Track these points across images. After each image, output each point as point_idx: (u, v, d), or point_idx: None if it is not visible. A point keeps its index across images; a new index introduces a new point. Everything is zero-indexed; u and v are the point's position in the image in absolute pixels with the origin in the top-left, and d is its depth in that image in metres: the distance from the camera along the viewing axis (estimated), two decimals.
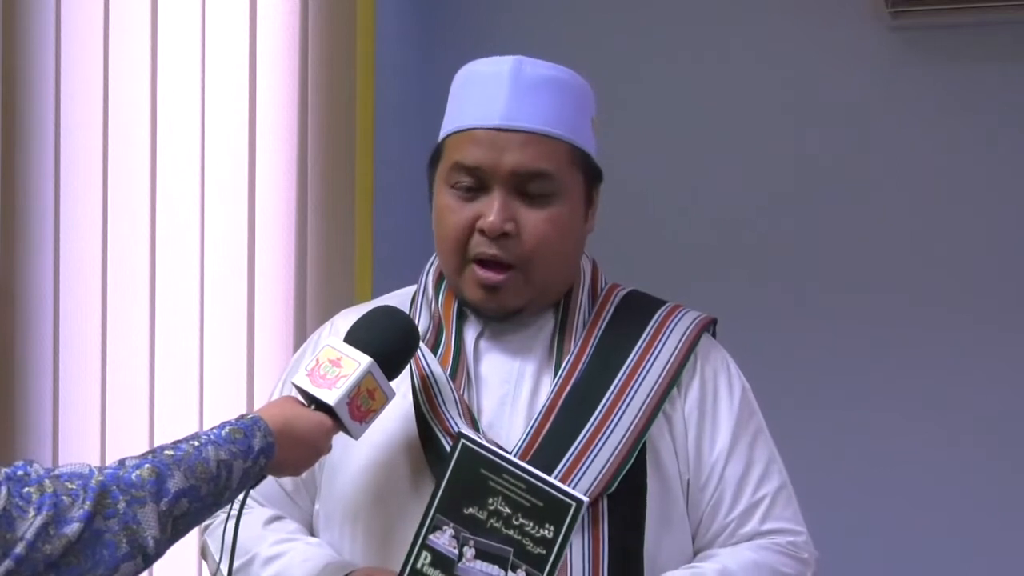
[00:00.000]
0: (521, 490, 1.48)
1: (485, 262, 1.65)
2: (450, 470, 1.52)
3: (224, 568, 1.61)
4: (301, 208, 2.58)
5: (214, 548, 1.70)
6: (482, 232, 1.64)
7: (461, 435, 1.54)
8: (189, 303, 2.49)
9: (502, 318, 1.70)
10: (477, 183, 1.66)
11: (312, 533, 1.73)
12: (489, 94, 1.67)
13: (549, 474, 1.52)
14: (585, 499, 1.47)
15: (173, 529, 1.37)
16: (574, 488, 1.55)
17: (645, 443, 1.63)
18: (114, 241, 2.44)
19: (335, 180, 2.64)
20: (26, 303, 2.33)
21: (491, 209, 1.64)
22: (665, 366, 1.67)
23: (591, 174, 1.72)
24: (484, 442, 1.55)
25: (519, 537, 1.47)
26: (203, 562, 1.80)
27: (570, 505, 1.46)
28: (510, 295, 1.67)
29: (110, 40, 2.43)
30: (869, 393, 3.01)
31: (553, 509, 1.47)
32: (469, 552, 1.49)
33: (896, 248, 3.03)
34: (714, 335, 1.78)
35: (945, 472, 2.96)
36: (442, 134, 1.73)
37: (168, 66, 2.49)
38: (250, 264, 2.52)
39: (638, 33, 3.16)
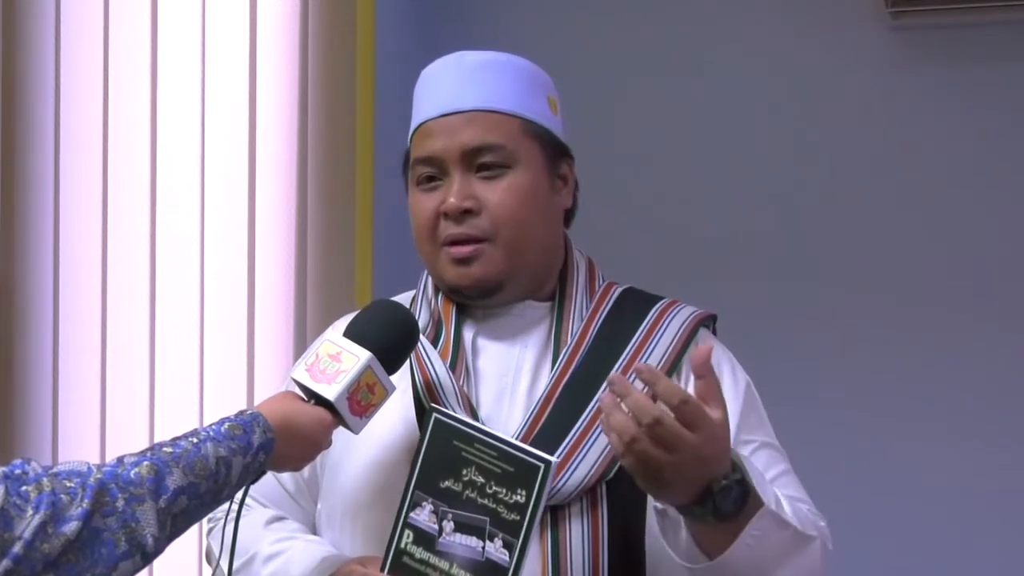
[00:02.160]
0: (493, 457, 1.48)
1: (455, 242, 1.68)
2: (425, 445, 1.53)
3: (225, 567, 1.60)
4: (301, 208, 2.58)
5: (216, 549, 1.70)
6: (446, 215, 1.67)
7: (433, 408, 1.55)
8: (189, 303, 2.49)
9: (482, 295, 1.70)
10: (437, 172, 1.69)
11: (315, 533, 1.74)
12: (435, 89, 1.72)
13: None
14: (553, 459, 1.47)
15: (172, 527, 1.36)
16: (570, 476, 1.55)
17: None
18: (114, 241, 2.44)
19: (335, 180, 2.64)
20: (26, 303, 2.33)
21: (450, 191, 1.67)
22: (664, 354, 1.68)
23: (551, 148, 1.73)
24: (456, 414, 1.55)
25: (494, 505, 1.47)
26: (204, 563, 1.80)
27: (538, 467, 1.46)
28: (483, 266, 1.68)
29: (110, 40, 2.43)
30: (869, 393, 3.01)
31: (523, 473, 1.46)
32: (448, 526, 1.50)
33: (896, 248, 3.02)
34: (714, 332, 1.79)
35: (946, 472, 2.96)
36: (408, 142, 1.77)
37: (168, 66, 2.49)
38: (250, 264, 2.52)
39: (636, 33, 3.16)
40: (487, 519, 1.47)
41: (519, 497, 1.46)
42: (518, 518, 1.46)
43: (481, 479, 1.49)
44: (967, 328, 2.97)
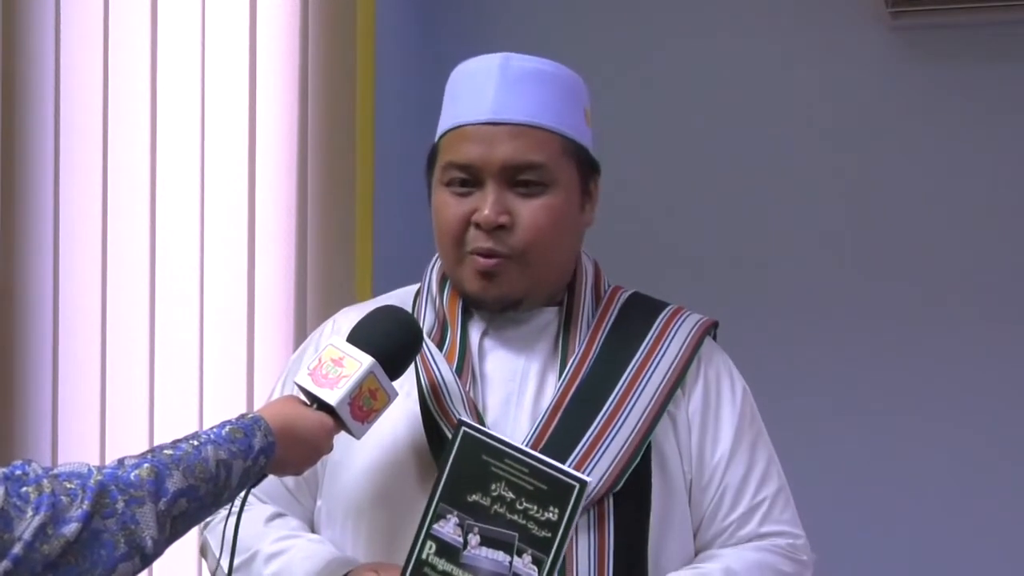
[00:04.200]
0: (524, 474, 1.49)
1: (483, 254, 1.66)
2: (452, 458, 1.52)
3: (225, 565, 1.60)
4: (301, 208, 2.58)
5: (214, 545, 1.70)
6: (478, 226, 1.66)
7: (461, 423, 1.54)
8: (189, 303, 2.49)
9: (502, 309, 1.70)
10: (471, 179, 1.67)
11: (314, 530, 1.74)
12: (477, 91, 1.69)
13: None
14: (588, 479, 1.48)
15: (172, 529, 1.37)
16: None
17: (650, 443, 1.64)
18: (114, 241, 2.44)
19: (335, 180, 2.64)
20: (26, 303, 2.33)
21: (485, 203, 1.65)
22: (670, 367, 1.68)
23: (585, 166, 1.72)
24: (485, 428, 1.55)
25: (524, 521, 1.47)
26: (203, 561, 1.80)
27: (573, 486, 1.46)
28: (508, 282, 1.67)
29: (110, 40, 2.43)
30: (869, 393, 3.01)
31: (557, 491, 1.47)
32: (474, 539, 1.49)
33: (896, 248, 3.02)
34: (715, 338, 1.79)
35: (948, 473, 2.96)
36: (437, 135, 1.74)
37: (168, 66, 2.49)
38: (250, 264, 2.52)
39: (636, 32, 3.16)
40: (516, 535, 1.47)
41: (551, 515, 1.46)
42: (549, 535, 1.46)
43: (511, 495, 1.49)
44: (968, 327, 2.97)
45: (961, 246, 3.00)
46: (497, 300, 1.68)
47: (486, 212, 1.64)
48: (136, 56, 2.46)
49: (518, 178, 1.66)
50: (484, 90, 1.68)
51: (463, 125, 1.68)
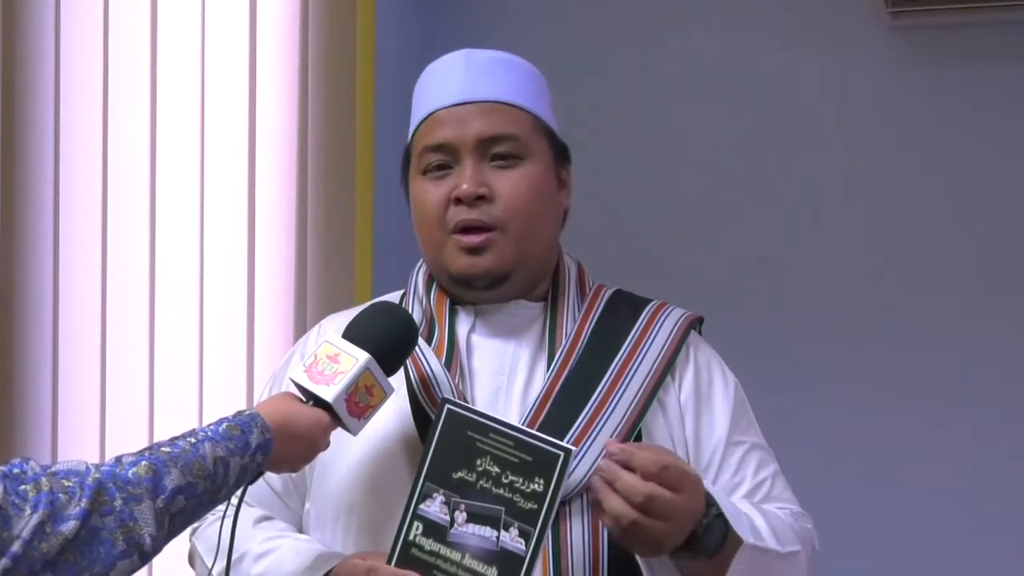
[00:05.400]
0: (509, 447, 1.49)
1: (466, 229, 1.68)
2: (436, 436, 1.53)
3: (217, 568, 1.60)
4: (301, 208, 2.58)
5: (203, 550, 1.70)
6: (458, 201, 1.68)
7: (445, 400, 1.55)
8: (189, 303, 2.49)
9: (490, 285, 1.70)
10: (447, 159, 1.70)
11: (302, 533, 1.74)
12: (445, 81, 1.73)
13: None
14: (572, 448, 1.49)
15: (170, 526, 1.37)
16: (571, 474, 1.55)
17: (641, 430, 1.65)
18: (114, 241, 2.44)
19: (335, 180, 2.65)
20: (26, 303, 2.33)
21: (463, 177, 1.68)
22: (659, 354, 1.69)
23: (558, 148, 1.76)
24: (468, 405, 1.56)
25: (510, 495, 1.48)
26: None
27: (558, 455, 1.47)
28: (494, 256, 1.68)
29: (110, 40, 2.43)
30: (868, 393, 3.01)
31: (542, 462, 1.47)
32: (460, 517, 1.50)
33: (895, 249, 3.02)
34: (700, 333, 1.80)
35: (948, 472, 2.96)
36: (409, 136, 1.77)
37: (168, 66, 2.49)
38: (250, 264, 2.53)
39: (635, 31, 3.17)
40: (502, 509, 1.48)
41: (536, 486, 1.47)
42: (535, 507, 1.46)
43: (496, 469, 1.49)
44: (968, 327, 2.97)
45: (960, 246, 3.00)
46: (485, 273, 1.69)
47: (464, 186, 1.67)
48: (136, 56, 2.46)
49: (494, 151, 1.69)
50: (451, 79, 1.72)
51: (434, 111, 1.71)
